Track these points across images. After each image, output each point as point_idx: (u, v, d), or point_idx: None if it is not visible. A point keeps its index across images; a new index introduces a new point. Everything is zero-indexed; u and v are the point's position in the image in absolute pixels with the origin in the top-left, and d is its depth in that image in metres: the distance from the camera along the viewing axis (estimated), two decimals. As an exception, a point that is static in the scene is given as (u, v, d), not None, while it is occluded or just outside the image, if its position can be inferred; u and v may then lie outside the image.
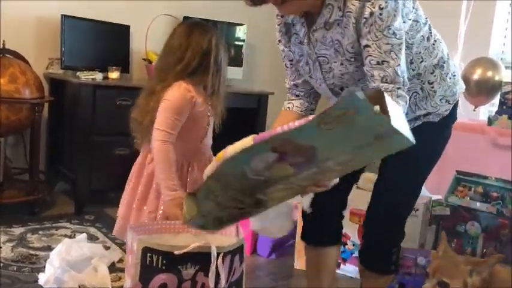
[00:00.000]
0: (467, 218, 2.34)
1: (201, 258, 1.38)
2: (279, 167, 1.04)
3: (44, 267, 2.06)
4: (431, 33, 1.46)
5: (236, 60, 3.87)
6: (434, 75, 1.48)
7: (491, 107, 3.02)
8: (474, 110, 2.95)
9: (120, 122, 3.05)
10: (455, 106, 1.56)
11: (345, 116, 0.90)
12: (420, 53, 1.44)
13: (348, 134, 0.94)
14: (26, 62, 3.01)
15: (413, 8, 1.37)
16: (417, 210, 2.31)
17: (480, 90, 2.81)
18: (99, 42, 3.32)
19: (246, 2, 1.29)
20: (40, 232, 2.61)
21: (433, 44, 1.46)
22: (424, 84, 1.49)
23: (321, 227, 1.71)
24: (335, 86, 1.47)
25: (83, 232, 2.46)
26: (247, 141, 1.01)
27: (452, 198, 2.44)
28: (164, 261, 1.37)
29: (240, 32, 3.93)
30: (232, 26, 3.90)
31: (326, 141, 0.97)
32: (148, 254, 1.38)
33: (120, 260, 2.31)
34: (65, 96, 3.10)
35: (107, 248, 2.42)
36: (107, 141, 2.98)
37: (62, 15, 3.12)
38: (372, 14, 1.24)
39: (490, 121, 2.62)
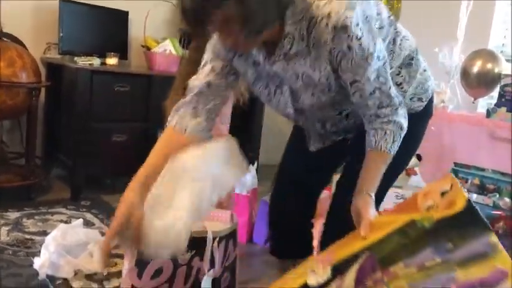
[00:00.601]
0: (463, 210, 2.34)
1: (196, 244, 1.38)
2: None
3: (39, 251, 2.06)
4: (397, 32, 1.35)
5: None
6: (401, 76, 1.38)
7: (490, 99, 3.01)
8: (473, 102, 2.94)
9: (118, 108, 3.06)
10: (430, 102, 1.48)
11: None
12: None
13: None
14: (24, 46, 2.99)
15: (377, 14, 1.24)
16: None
17: (479, 83, 2.80)
18: (98, 28, 3.30)
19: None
20: (36, 217, 2.60)
21: (400, 45, 1.35)
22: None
23: (291, 239, 1.62)
24: (302, 109, 1.35)
25: (79, 218, 2.45)
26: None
27: (449, 189, 2.44)
28: None
29: (240, 20, 3.90)
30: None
31: None
32: None
33: (116, 246, 2.30)
34: (62, 81, 3.08)
35: (103, 233, 2.41)
36: (104, 127, 2.97)
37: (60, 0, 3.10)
38: (350, 47, 1.12)
39: (489, 113, 2.61)
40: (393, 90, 1.24)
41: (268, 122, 3.82)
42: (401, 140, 1.28)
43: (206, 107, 1.29)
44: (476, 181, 2.43)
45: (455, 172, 2.52)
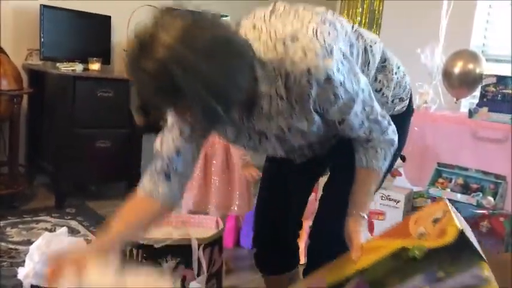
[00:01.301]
0: (447, 209, 2.36)
1: (181, 251, 1.38)
2: None
3: (24, 261, 2.03)
4: (365, 41, 1.28)
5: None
6: (379, 81, 1.34)
7: (473, 99, 3.04)
8: (456, 102, 2.97)
9: (101, 114, 3.04)
10: (411, 99, 1.45)
11: None
12: (362, 72, 1.25)
13: None
14: (4, 53, 2.95)
15: (345, 35, 1.18)
16: (398, 201, 2.33)
17: (461, 83, 2.82)
18: (80, 33, 3.27)
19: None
20: (20, 226, 2.57)
21: (371, 52, 1.30)
22: None
23: (277, 254, 1.55)
24: (293, 148, 1.33)
25: (63, 226, 2.42)
26: None
27: (433, 189, 2.46)
28: (144, 255, 1.36)
29: (223, 24, 3.89)
30: (215, 17, 3.86)
31: None
32: (128, 248, 1.37)
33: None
34: (44, 87, 3.05)
35: (89, 241, 2.39)
36: (87, 134, 2.95)
37: (41, 5, 3.06)
38: (336, 95, 1.09)
39: (471, 113, 2.64)
40: (379, 112, 1.22)
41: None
42: (392, 155, 1.27)
43: (178, 172, 1.21)
44: (460, 181, 2.45)
45: (439, 172, 2.54)
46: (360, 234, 1.20)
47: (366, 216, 1.25)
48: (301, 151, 1.39)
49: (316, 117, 1.15)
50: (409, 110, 1.45)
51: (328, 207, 1.41)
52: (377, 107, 1.22)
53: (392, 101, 1.38)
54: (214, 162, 2.19)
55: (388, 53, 1.37)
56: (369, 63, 1.29)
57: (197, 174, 2.15)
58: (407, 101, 1.42)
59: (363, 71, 1.24)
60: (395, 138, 1.25)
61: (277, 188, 1.52)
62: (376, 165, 1.24)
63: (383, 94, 1.34)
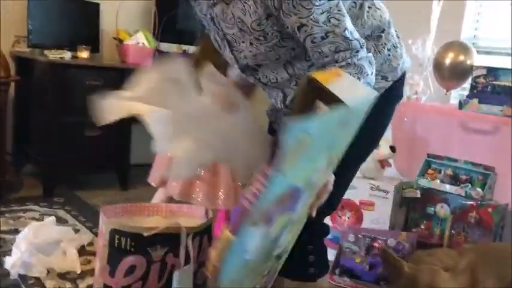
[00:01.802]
0: (436, 200, 2.38)
1: (170, 240, 1.36)
2: (275, 225, 0.92)
3: (11, 250, 2.01)
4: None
5: (210, 41, 3.81)
6: (367, 48, 1.23)
7: (463, 91, 3.05)
8: (446, 94, 2.98)
9: (90, 103, 2.99)
10: (399, 84, 1.36)
11: (302, 146, 0.83)
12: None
13: (311, 152, 0.88)
14: (-9, 39, 2.90)
15: None
16: (388, 192, 2.33)
17: (452, 74, 2.83)
18: (68, 20, 3.22)
19: None
20: (7, 215, 2.54)
21: (368, 12, 1.25)
22: None
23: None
24: (249, 66, 1.30)
25: (51, 215, 2.40)
26: (226, 241, 0.89)
27: (422, 180, 2.47)
28: (133, 243, 1.35)
29: (214, 13, 3.87)
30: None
31: (298, 174, 0.89)
32: (117, 236, 1.36)
33: (90, 243, 2.27)
34: (32, 75, 3.01)
35: (77, 231, 2.38)
36: (76, 123, 2.91)
37: (28, -9, 3.01)
38: None
39: (461, 105, 2.65)
40: (351, 33, 1.12)
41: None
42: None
43: None
44: (449, 172, 2.46)
45: (429, 163, 2.55)
46: None
47: None
48: (272, 92, 1.33)
49: (260, 12, 1.11)
50: (392, 94, 1.36)
51: None
52: (348, 24, 1.12)
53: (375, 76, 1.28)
54: None
55: (393, 32, 1.33)
56: (359, 19, 1.24)
57: None
58: (390, 84, 1.33)
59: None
60: (369, 68, 1.13)
61: None
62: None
63: None
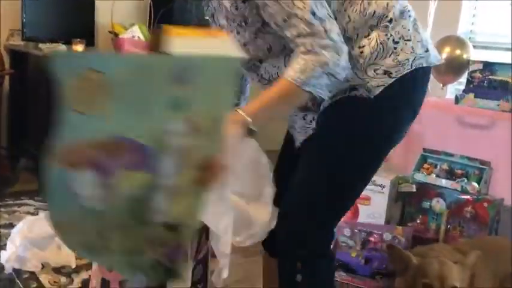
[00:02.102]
0: (432, 195, 2.38)
1: None
2: (123, 180, 0.91)
3: (6, 245, 2.01)
4: None
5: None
6: (369, 38, 1.17)
7: (459, 85, 3.05)
8: (442, 88, 2.98)
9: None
10: (411, 85, 1.21)
11: (95, 86, 0.82)
12: (345, 10, 1.15)
13: (126, 101, 0.86)
14: (-15, 32, 2.88)
15: None
16: (384, 187, 2.33)
17: (448, 69, 2.82)
18: (63, 13, 3.20)
19: None
20: (2, 209, 2.53)
21: None
22: (353, 49, 1.17)
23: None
24: (251, 61, 1.25)
25: (46, 209, 2.39)
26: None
27: (418, 175, 2.47)
28: None
29: (210, 6, 3.85)
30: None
31: (122, 123, 0.88)
32: None
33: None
34: (27, 68, 2.99)
35: (72, 225, 2.37)
36: (71, 116, 2.90)
37: (22, -17, 2.99)
38: None
39: (457, 99, 2.64)
40: (319, 16, 1.06)
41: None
42: (322, 82, 1.07)
43: None
44: (445, 166, 2.46)
45: (425, 157, 2.55)
46: (231, 127, 1.02)
47: (251, 125, 1.07)
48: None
49: (247, 4, 1.10)
50: (395, 98, 1.18)
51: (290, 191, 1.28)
52: (318, 10, 1.06)
53: (375, 70, 1.17)
54: None
55: (407, 22, 1.20)
56: (356, 4, 1.16)
57: None
58: (392, 80, 1.17)
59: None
60: (332, 61, 1.06)
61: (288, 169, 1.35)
62: (287, 74, 1.07)
63: (362, 52, 1.17)
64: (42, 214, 2.21)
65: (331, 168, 1.22)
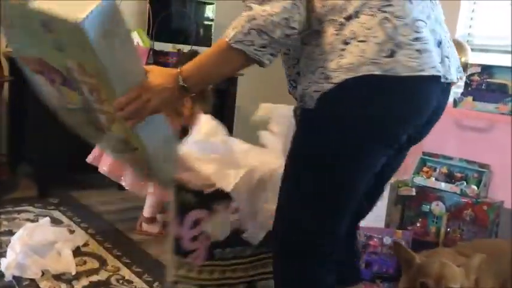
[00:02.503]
0: (432, 198, 2.38)
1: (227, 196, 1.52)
2: (63, 92, 1.16)
3: (5, 252, 2.00)
4: None
5: (205, 40, 3.80)
6: (323, 36, 1.05)
7: (457, 88, 3.05)
8: (440, 92, 2.98)
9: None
10: (350, 91, 1.02)
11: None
12: None
13: (25, 31, 1.07)
14: (-16, 39, 2.89)
15: None
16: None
17: (446, 72, 2.83)
18: (62, 20, 3.20)
19: None
20: (2, 216, 2.53)
21: None
22: (304, 50, 1.09)
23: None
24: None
25: (46, 216, 2.40)
26: None
27: (417, 178, 2.47)
28: (195, 199, 1.54)
29: (209, 11, 3.86)
30: (201, 4, 3.82)
31: (25, 44, 1.09)
32: (176, 189, 1.54)
33: (85, 244, 2.26)
34: (26, 75, 2.98)
35: (72, 231, 2.37)
36: (70, 123, 2.90)
37: (21, -9, 2.99)
38: None
39: (456, 102, 2.65)
40: None
41: (242, 101, 3.76)
42: (256, 41, 1.00)
43: None
44: (444, 170, 2.47)
45: (424, 161, 2.55)
46: (165, 79, 1.06)
47: (181, 82, 1.06)
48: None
49: None
50: (335, 111, 1.04)
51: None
52: None
53: (322, 73, 1.05)
54: None
55: (366, 19, 1.02)
56: None
57: None
58: (330, 86, 1.02)
59: None
60: (261, 16, 0.99)
61: None
62: (225, 33, 1.04)
63: (313, 52, 1.08)
64: (42, 221, 2.21)
65: (294, 195, 1.16)
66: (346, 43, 1.02)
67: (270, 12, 0.99)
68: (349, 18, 1.03)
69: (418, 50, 1.02)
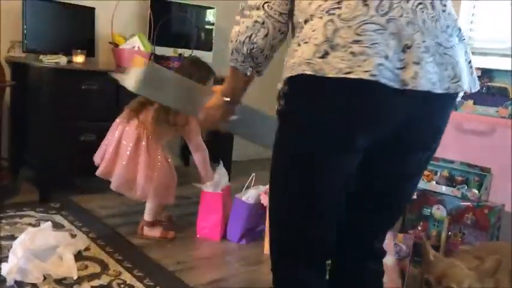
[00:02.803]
0: (433, 202, 2.38)
1: None
2: None
3: (7, 257, 2.00)
4: None
5: (206, 44, 3.82)
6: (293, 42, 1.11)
7: (458, 92, 3.07)
8: (441, 95, 2.99)
9: (86, 107, 3.00)
10: (292, 89, 1.08)
11: None
12: (296, 5, 1.11)
13: None
14: (-14, 44, 2.90)
15: None
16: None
17: (447, 76, 2.84)
18: (63, 25, 3.22)
19: None
20: (3, 221, 2.53)
21: None
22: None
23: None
24: None
25: (47, 220, 2.40)
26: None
27: (418, 182, 2.48)
28: None
29: (210, 16, 3.87)
30: (202, 9, 3.83)
31: None
32: None
33: (87, 248, 2.27)
34: (27, 80, 3.00)
35: (73, 236, 2.37)
36: (71, 127, 2.91)
37: (23, -4, 3.01)
38: None
39: (456, 106, 2.66)
40: None
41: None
42: (234, 56, 1.21)
43: None
44: (445, 173, 2.47)
45: (425, 165, 2.55)
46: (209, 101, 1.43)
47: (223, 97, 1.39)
48: None
49: None
50: (293, 107, 1.09)
51: None
52: None
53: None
54: (124, 142, 2.40)
55: (315, 22, 1.03)
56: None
57: (112, 145, 2.43)
58: (281, 86, 1.11)
59: None
60: (234, 39, 1.19)
61: None
62: None
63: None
64: (43, 225, 2.21)
65: (274, 187, 1.22)
66: (299, 45, 1.05)
67: (238, 32, 1.17)
68: (306, 21, 1.06)
69: (352, 53, 0.98)
